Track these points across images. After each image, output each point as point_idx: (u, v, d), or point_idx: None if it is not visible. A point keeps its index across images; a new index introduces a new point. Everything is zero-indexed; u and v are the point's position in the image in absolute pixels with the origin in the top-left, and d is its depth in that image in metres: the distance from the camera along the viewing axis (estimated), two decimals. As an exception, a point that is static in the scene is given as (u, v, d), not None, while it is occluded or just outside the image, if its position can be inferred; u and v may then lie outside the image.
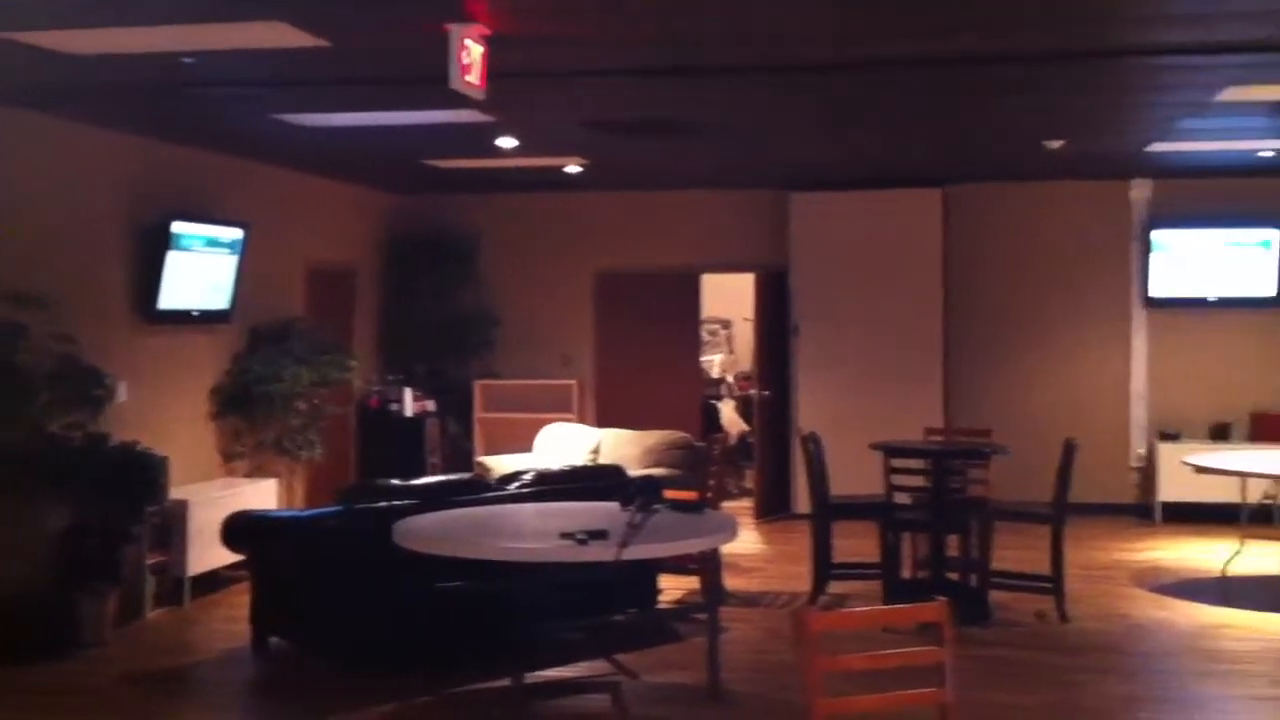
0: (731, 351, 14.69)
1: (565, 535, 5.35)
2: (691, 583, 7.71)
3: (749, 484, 11.91)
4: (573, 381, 11.74)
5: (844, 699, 3.31)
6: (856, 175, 10.68)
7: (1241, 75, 6.59)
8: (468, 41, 5.27)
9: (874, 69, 6.41)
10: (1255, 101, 7.30)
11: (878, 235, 10.96)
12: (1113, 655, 6.79)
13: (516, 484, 7.09)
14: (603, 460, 9.71)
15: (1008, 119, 8.10)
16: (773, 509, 11.08)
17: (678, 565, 7.48)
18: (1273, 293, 10.75)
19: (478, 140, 8.53)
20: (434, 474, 9.75)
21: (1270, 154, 9.45)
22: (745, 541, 9.68)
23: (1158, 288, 10.93)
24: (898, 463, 7.77)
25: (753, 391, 11.72)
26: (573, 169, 10.13)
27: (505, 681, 6.10)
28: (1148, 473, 10.96)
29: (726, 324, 14.67)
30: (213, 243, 8.69)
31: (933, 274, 10.87)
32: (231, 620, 7.39)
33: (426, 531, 5.77)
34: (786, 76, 6.64)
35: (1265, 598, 8.00)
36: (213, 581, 8.13)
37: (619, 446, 9.92)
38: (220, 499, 8.14)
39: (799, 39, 5.80)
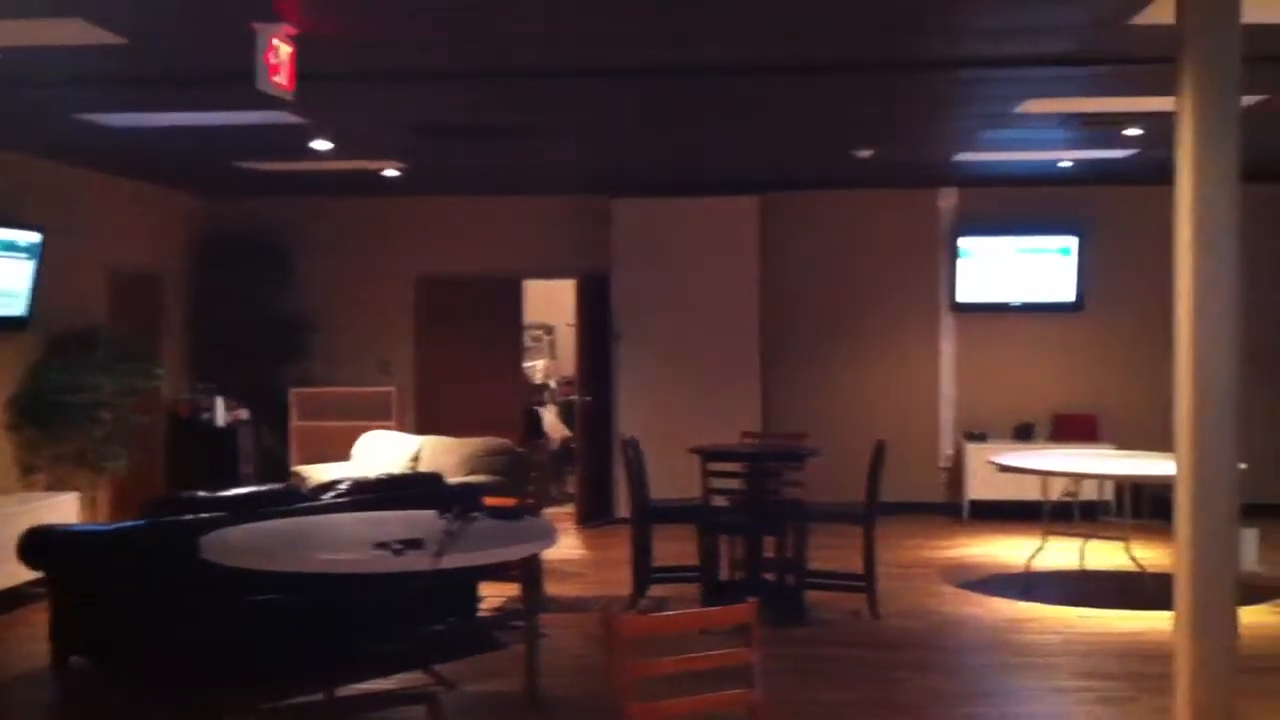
0: (554, 357, 14.67)
1: (380, 545, 5.25)
2: (512, 590, 7.64)
3: (571, 489, 11.90)
4: (392, 388, 11.57)
5: (657, 702, 3.32)
6: (678, 181, 10.77)
7: (1041, 88, 6.85)
8: (275, 41, 5.15)
9: (691, 74, 6.47)
10: (1054, 114, 7.59)
11: (697, 241, 11.06)
12: (924, 650, 6.96)
13: (331, 494, 6.94)
14: (422, 468, 9.58)
15: (820, 128, 8.26)
16: (594, 514, 11.09)
17: (499, 573, 7.42)
18: (1072, 298, 11.20)
19: (290, 142, 8.33)
20: (248, 485, 9.49)
21: (1069, 164, 9.84)
22: (567, 547, 9.67)
23: (964, 293, 11.29)
24: (716, 466, 7.84)
25: (575, 397, 11.72)
26: (391, 172, 9.99)
27: (318, 696, 5.96)
28: (955, 472, 11.31)
29: (549, 329, 14.65)
30: (9, 246, 8.30)
31: (750, 280, 11.02)
32: (30, 639, 7.06)
33: (236, 545, 5.59)
34: (603, 81, 6.65)
35: (1065, 591, 8.32)
36: (11, 599, 7.76)
37: (439, 454, 9.81)
38: (17, 514, 7.79)
39: (614, 42, 5.82)
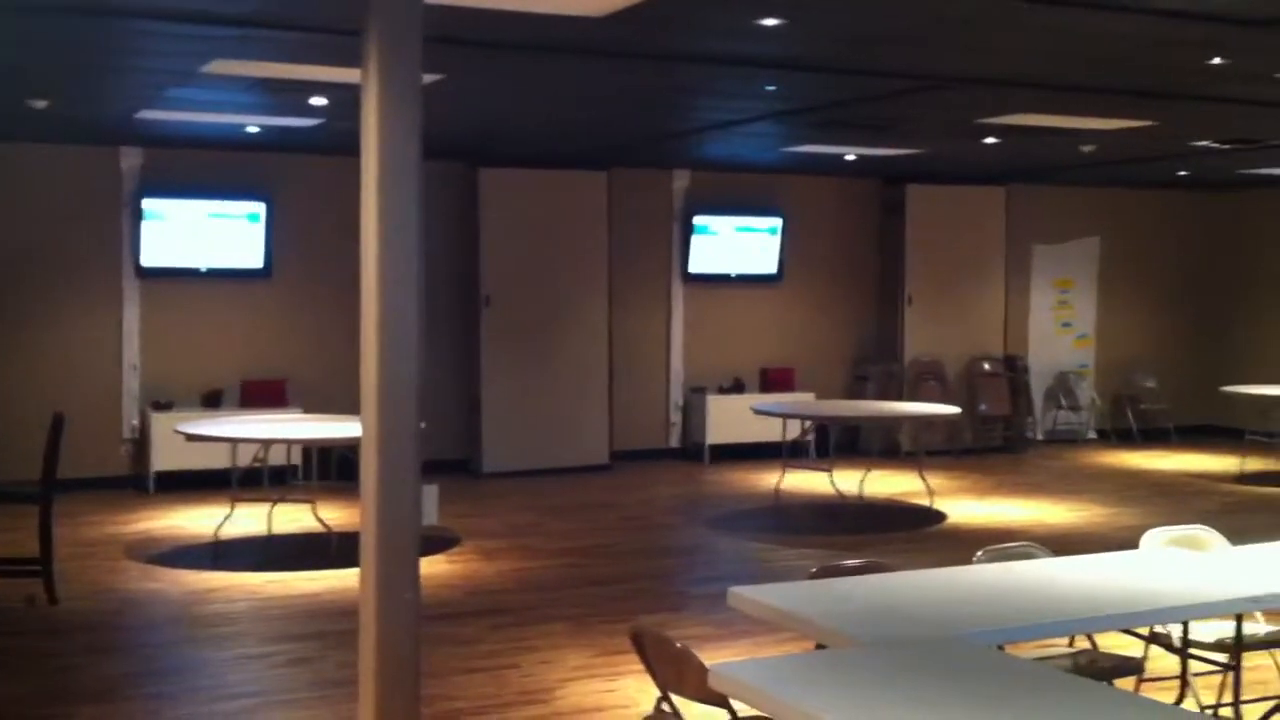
0: None
1: None
2: None
3: None
4: None
5: None
6: None
7: (228, 49, 6.71)
8: None
9: None
10: (242, 76, 7.49)
11: None
12: (106, 633, 6.65)
13: None
14: None
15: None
16: None
17: None
18: (260, 265, 11.19)
19: None
20: None
21: (256, 130, 9.80)
22: None
23: (150, 257, 10.86)
24: None
25: None
26: None
27: None
28: (141, 443, 10.89)
29: None
30: None
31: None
32: None
33: None
34: None
35: (254, 558, 8.37)
36: None
37: None
38: None
39: None
